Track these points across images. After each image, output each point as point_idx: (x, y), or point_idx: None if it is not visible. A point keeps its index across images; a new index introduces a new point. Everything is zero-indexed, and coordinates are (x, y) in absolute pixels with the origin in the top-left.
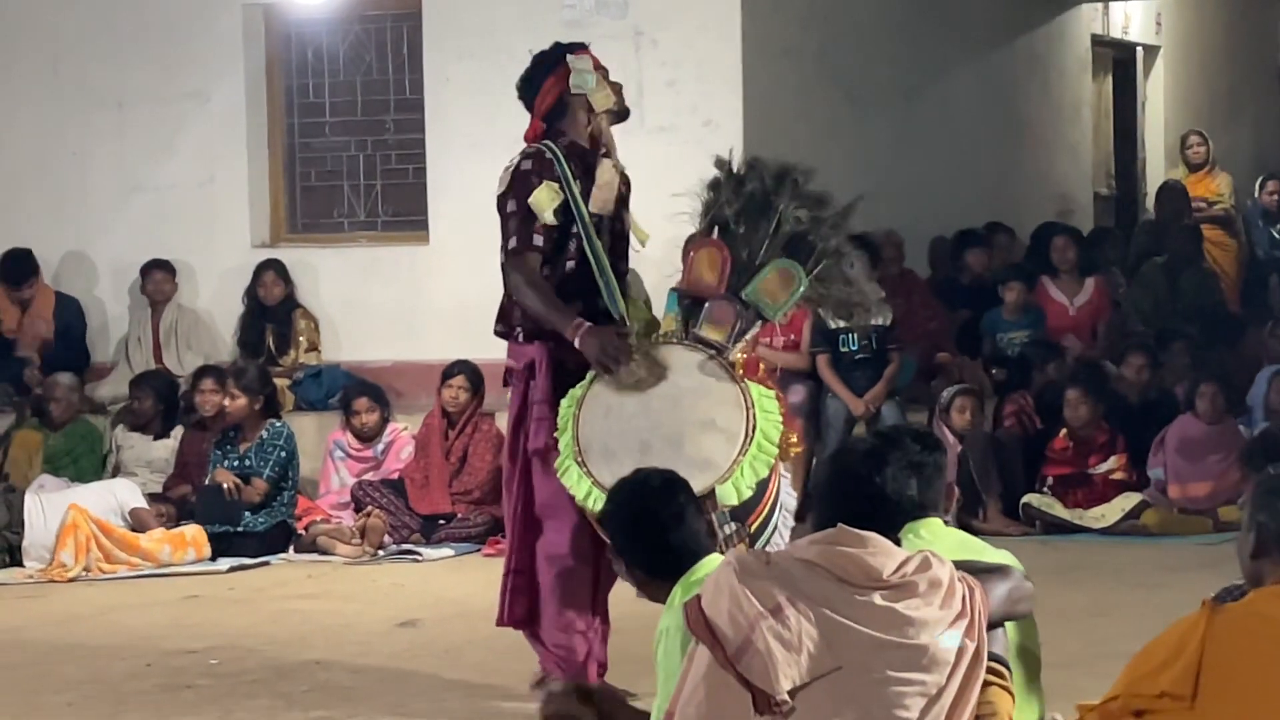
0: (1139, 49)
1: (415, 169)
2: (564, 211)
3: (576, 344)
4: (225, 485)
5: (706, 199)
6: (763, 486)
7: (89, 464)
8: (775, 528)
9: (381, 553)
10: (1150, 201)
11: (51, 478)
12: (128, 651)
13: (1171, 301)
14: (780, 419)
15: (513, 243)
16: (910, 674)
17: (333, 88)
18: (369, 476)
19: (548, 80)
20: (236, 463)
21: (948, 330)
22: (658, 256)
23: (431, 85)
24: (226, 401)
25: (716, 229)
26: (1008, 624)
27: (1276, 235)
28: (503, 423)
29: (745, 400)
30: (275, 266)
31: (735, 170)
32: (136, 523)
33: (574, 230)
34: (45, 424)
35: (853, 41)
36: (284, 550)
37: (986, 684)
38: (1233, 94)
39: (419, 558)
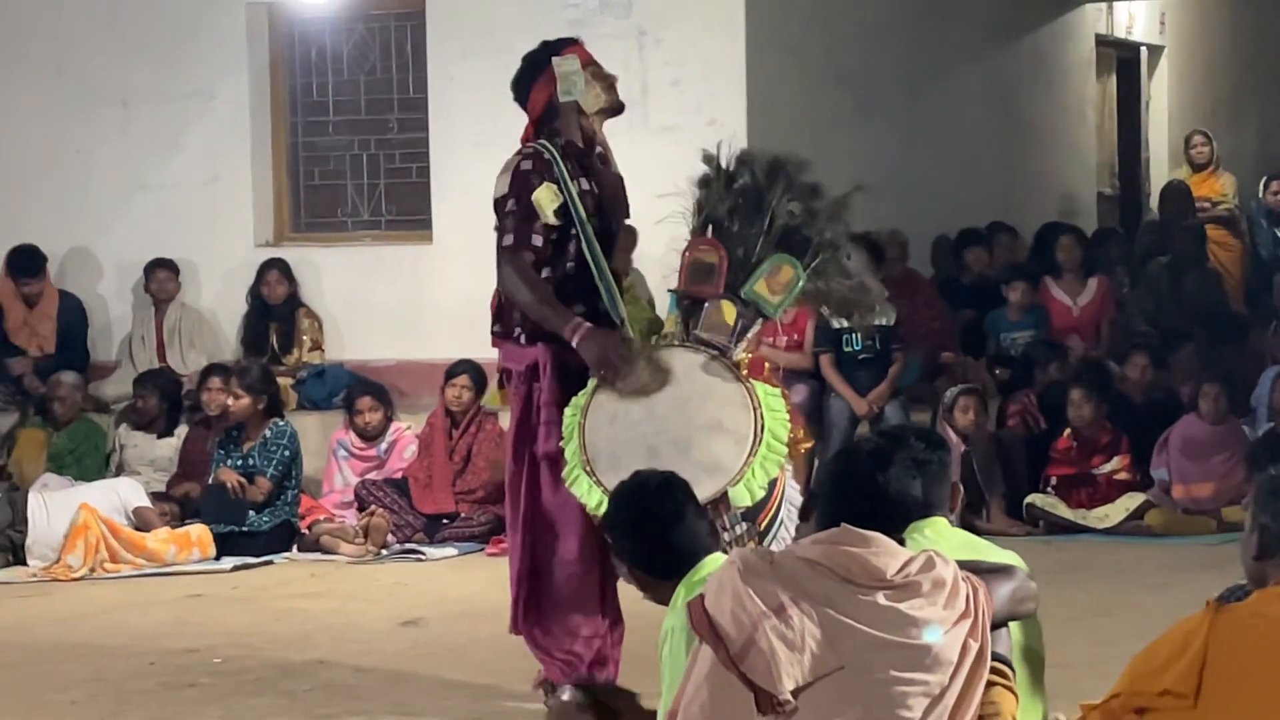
0: (1143, 49)
1: (419, 168)
2: (563, 213)
3: (575, 345)
4: (229, 484)
5: (698, 196)
6: (772, 485)
7: (92, 463)
8: (781, 522)
9: (385, 552)
10: (1154, 201)
11: (55, 476)
12: (131, 650)
13: (1175, 302)
14: (787, 417)
15: (508, 240)
16: (913, 674)
17: (336, 87)
18: (372, 476)
19: (537, 83)
20: (240, 462)
21: (951, 330)
22: (659, 255)
23: (435, 84)
24: (230, 401)
25: (710, 227)
26: (1011, 624)
27: None
28: (506, 422)
29: (751, 400)
30: (279, 265)
31: (725, 165)
32: (140, 522)
33: (573, 232)
34: (49, 423)
35: (857, 41)
36: (287, 549)
37: (990, 684)
38: (1237, 94)
39: (422, 557)
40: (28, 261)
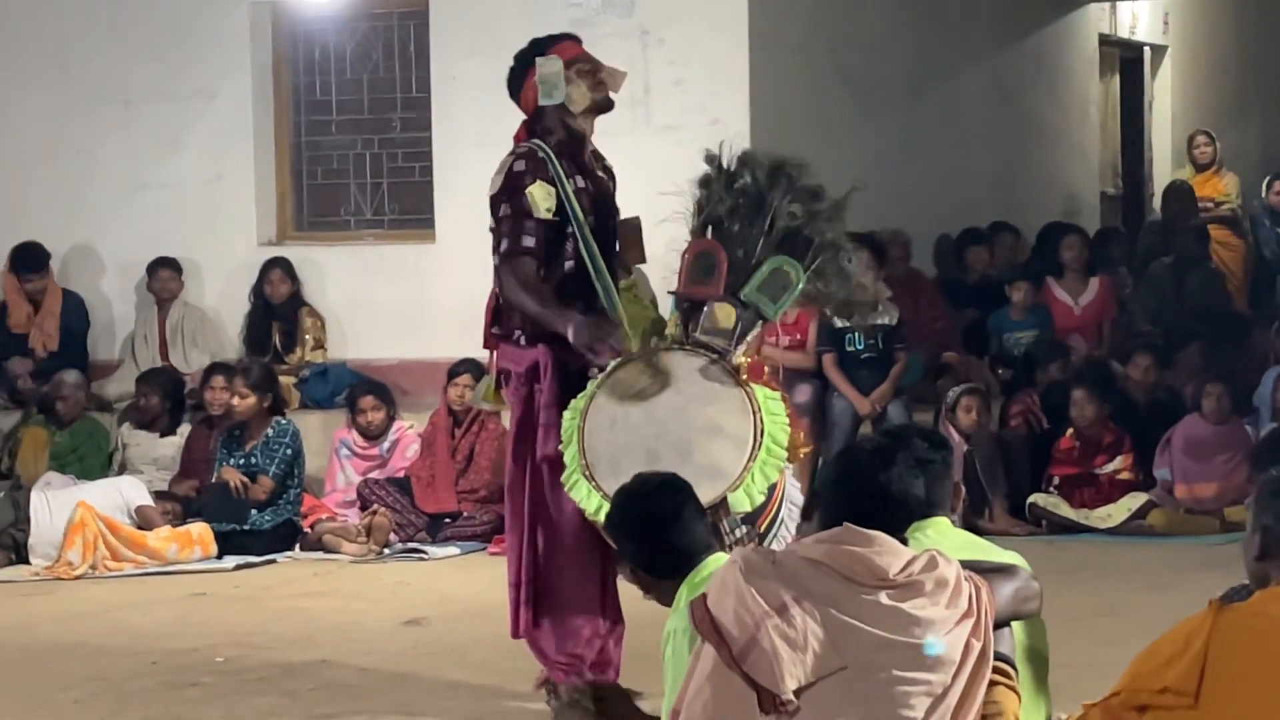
0: (1146, 49)
1: (422, 167)
2: (558, 212)
3: (570, 336)
4: (232, 483)
5: (699, 196)
6: (771, 488)
7: (95, 462)
8: (781, 521)
9: (387, 551)
10: (1157, 201)
11: (58, 475)
12: (133, 649)
13: (1178, 301)
14: (787, 421)
15: (505, 245)
16: (916, 673)
17: (339, 86)
18: (375, 475)
19: (527, 82)
20: (242, 461)
21: (954, 329)
22: (660, 254)
23: (438, 83)
24: (235, 400)
25: (710, 228)
26: (1015, 624)
27: None
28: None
29: (751, 404)
30: (282, 264)
31: (726, 165)
32: (143, 520)
33: (569, 231)
34: (52, 421)
35: (860, 41)
36: (290, 548)
37: (993, 684)
38: (1240, 94)
39: (424, 556)
40: (31, 257)
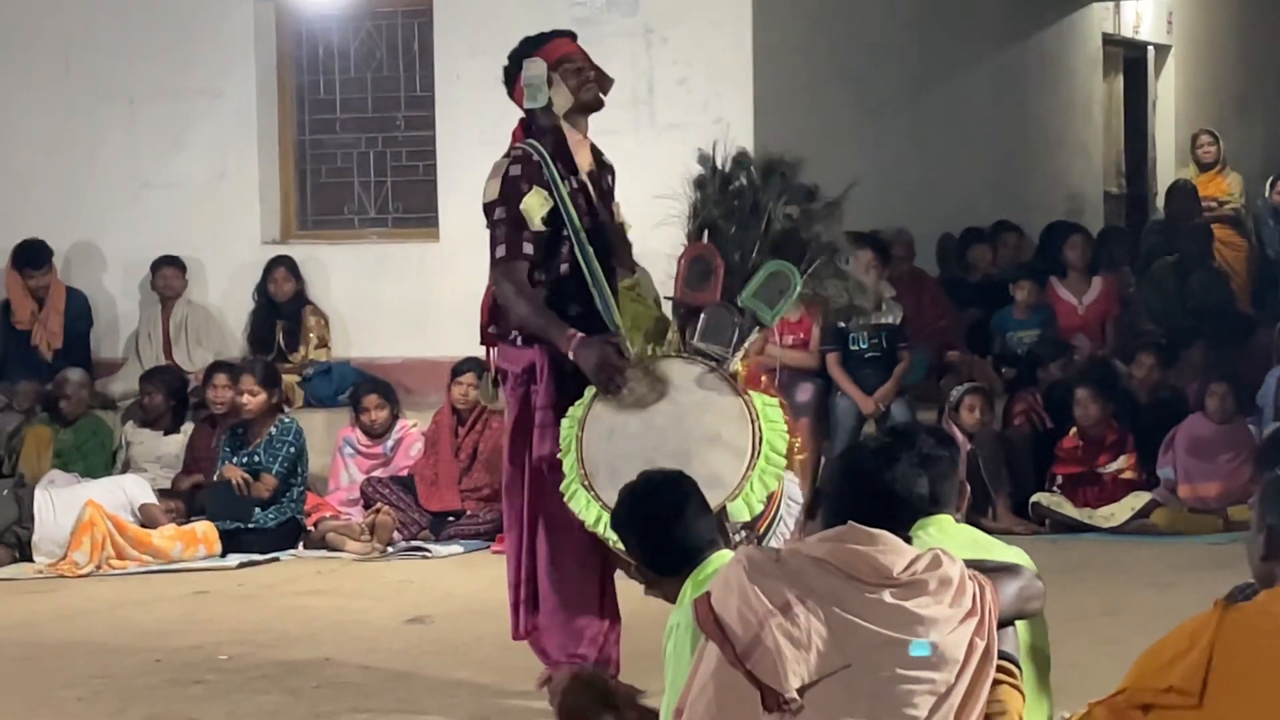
0: (1150, 48)
1: (426, 166)
2: (553, 216)
3: (571, 356)
4: (235, 481)
5: (693, 199)
6: (769, 496)
7: (99, 460)
8: (780, 519)
9: (390, 549)
10: (1160, 201)
11: (61, 473)
12: (137, 647)
13: (1181, 301)
14: (785, 427)
15: (500, 250)
16: (919, 672)
17: (344, 84)
18: (378, 473)
19: (517, 82)
20: (246, 459)
21: (957, 328)
22: (667, 252)
23: (442, 82)
24: (245, 397)
25: (706, 232)
26: (1018, 623)
27: None
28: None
29: (750, 413)
30: (286, 263)
31: (721, 167)
32: (146, 519)
33: (564, 234)
34: (56, 420)
35: (863, 40)
36: (293, 547)
37: (997, 682)
38: (1244, 93)
39: (428, 554)
40: (33, 253)
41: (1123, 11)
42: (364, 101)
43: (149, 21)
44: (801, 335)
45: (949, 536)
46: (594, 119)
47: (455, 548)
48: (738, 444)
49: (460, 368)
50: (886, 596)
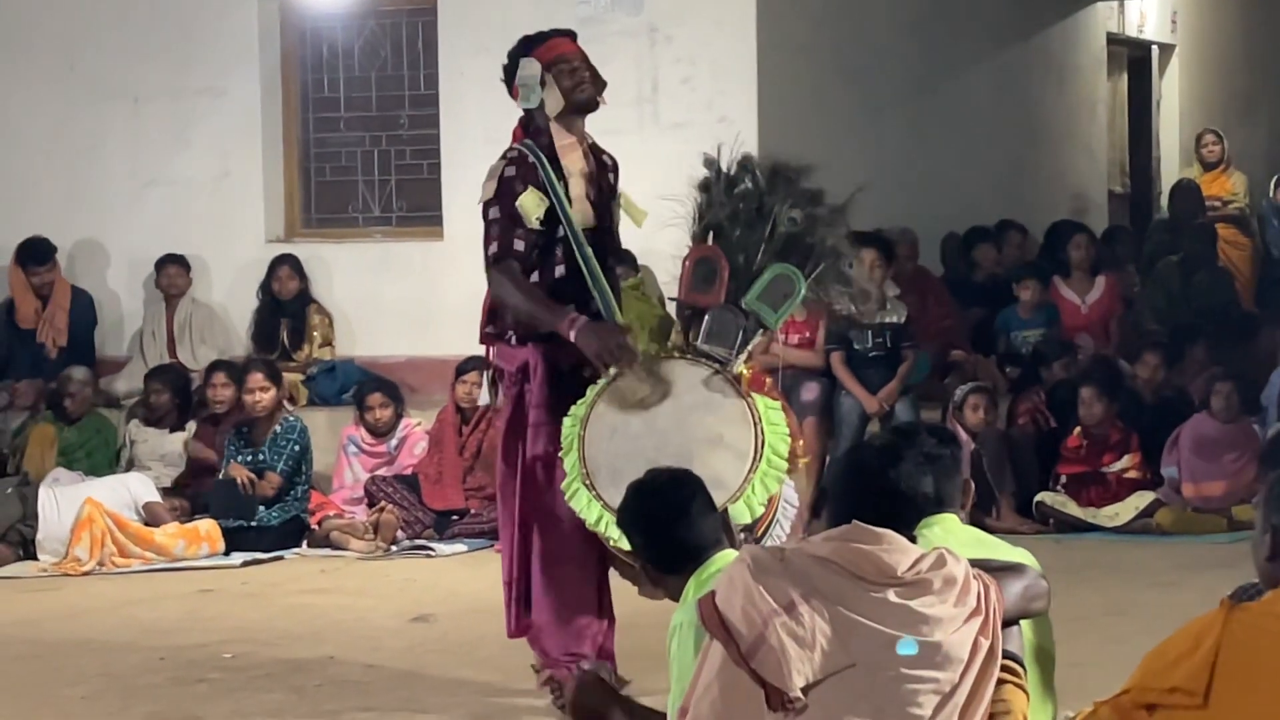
0: (1154, 47)
1: (430, 164)
2: (549, 217)
3: (573, 338)
4: (238, 480)
5: (698, 201)
6: (770, 499)
7: (103, 458)
8: (776, 521)
9: (394, 548)
10: (1165, 200)
11: (66, 471)
12: (140, 645)
13: (1185, 300)
14: (787, 431)
15: (494, 248)
16: (924, 671)
17: (348, 83)
18: (382, 472)
19: (514, 82)
20: (250, 457)
21: (961, 328)
22: (671, 251)
23: (446, 81)
24: (256, 395)
25: (711, 234)
26: (1023, 622)
27: None
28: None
29: (752, 415)
30: (290, 261)
31: (726, 169)
32: (150, 517)
33: (560, 234)
34: (60, 418)
35: (867, 39)
36: (297, 545)
37: (1001, 682)
38: (1248, 93)
39: (432, 553)
40: (36, 250)
41: (1127, 11)
42: (368, 100)
43: (153, 20)
44: (807, 334)
45: (953, 536)
46: (598, 118)
47: (459, 546)
48: (740, 446)
49: (464, 366)
50: (891, 596)
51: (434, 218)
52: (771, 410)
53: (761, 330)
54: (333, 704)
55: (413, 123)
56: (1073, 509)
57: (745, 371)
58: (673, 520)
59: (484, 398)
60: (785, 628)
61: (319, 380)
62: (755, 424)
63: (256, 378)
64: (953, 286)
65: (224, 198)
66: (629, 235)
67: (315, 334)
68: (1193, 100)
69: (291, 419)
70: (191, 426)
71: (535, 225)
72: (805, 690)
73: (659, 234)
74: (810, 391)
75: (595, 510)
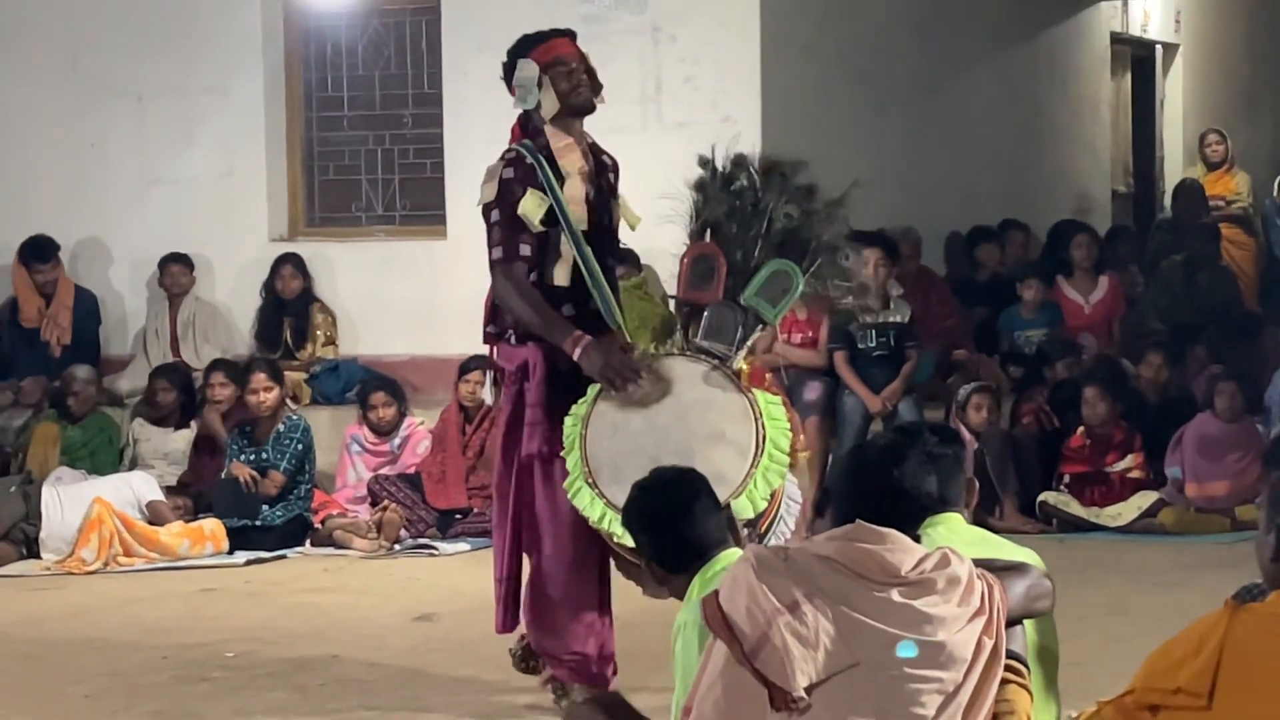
0: (1158, 47)
1: (433, 163)
2: (549, 217)
3: (577, 359)
4: (241, 478)
5: (694, 200)
6: (772, 493)
7: (106, 457)
8: (780, 518)
9: (397, 547)
10: (1168, 200)
11: (69, 470)
12: (144, 644)
13: (1189, 300)
14: (788, 425)
15: (498, 252)
16: (927, 671)
17: (351, 82)
18: (385, 471)
19: (511, 82)
20: (254, 456)
21: (965, 327)
22: (675, 250)
23: (450, 80)
24: (260, 395)
25: (709, 232)
26: (1026, 622)
27: None
28: None
29: (753, 410)
30: (293, 260)
31: (721, 168)
32: (154, 516)
33: (559, 234)
34: (63, 416)
35: (871, 39)
36: (300, 544)
37: (1005, 681)
38: (1252, 92)
39: (435, 552)
40: (40, 248)
41: (1130, 10)
42: (371, 99)
43: (156, 18)
44: (810, 334)
45: (957, 535)
46: (601, 117)
47: (462, 545)
48: (741, 442)
49: (467, 365)
50: (894, 595)
51: (437, 217)
52: (772, 405)
53: (761, 326)
54: (336, 703)
55: (416, 122)
56: (1076, 509)
57: (745, 367)
58: (677, 519)
59: (488, 397)
60: (789, 627)
61: (322, 379)
62: (756, 419)
63: (260, 378)
64: (956, 286)
65: (227, 196)
66: (632, 234)
67: (318, 333)
68: (1196, 100)
69: (295, 418)
70: (196, 424)
71: (538, 228)
72: (809, 690)
73: (661, 234)
74: (813, 391)
75: (599, 508)
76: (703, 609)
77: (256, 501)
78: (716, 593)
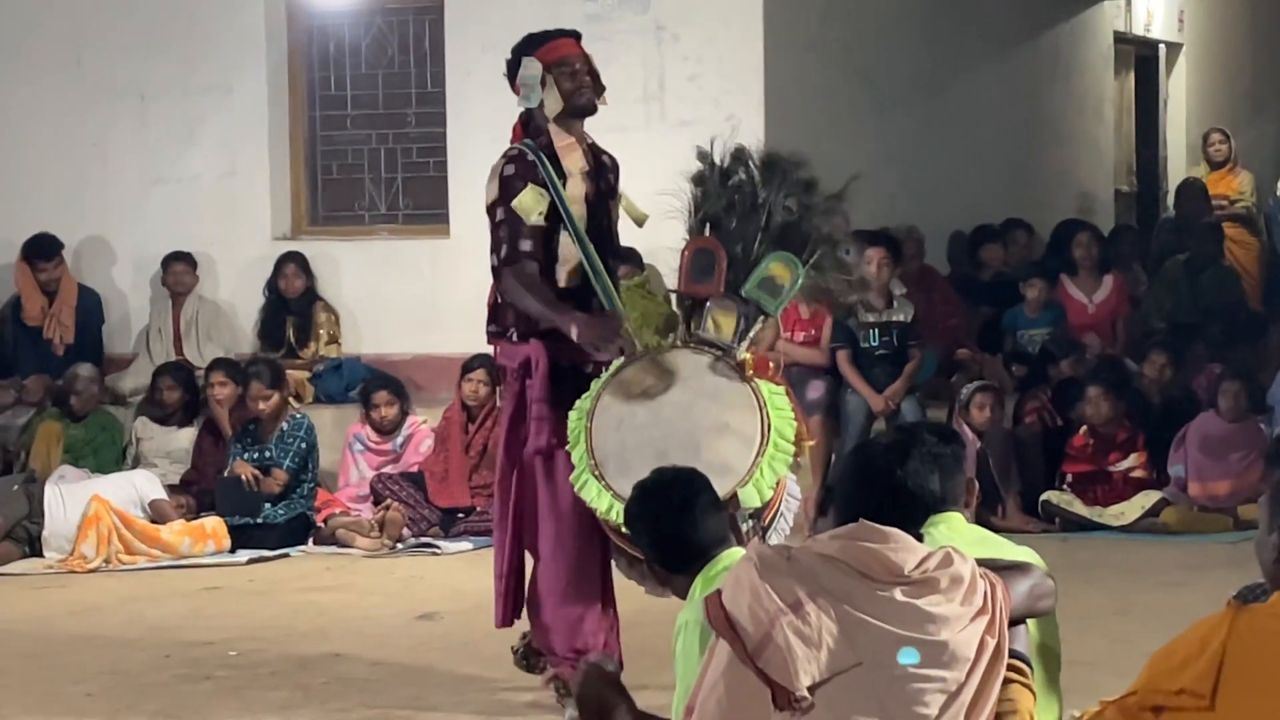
0: (1161, 46)
1: (436, 162)
2: (551, 214)
3: (573, 335)
4: (244, 477)
5: (694, 194)
6: (776, 482)
7: (109, 455)
8: (780, 515)
9: (400, 546)
10: (1171, 199)
11: (72, 468)
12: (147, 642)
13: (1192, 299)
14: (792, 415)
15: (504, 251)
16: (930, 670)
17: (354, 81)
18: (388, 469)
19: (515, 81)
20: (257, 454)
21: (968, 327)
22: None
23: (453, 79)
24: (259, 404)
25: (708, 226)
26: (1029, 621)
27: None
28: None
29: (757, 400)
30: (296, 259)
31: (720, 162)
32: (156, 514)
33: (561, 232)
34: (66, 415)
35: (874, 37)
36: (303, 543)
37: (1007, 681)
38: (1255, 92)
39: (437, 551)
40: (43, 246)
41: (1134, 9)
42: (375, 98)
43: (160, 17)
44: (813, 332)
45: (959, 534)
46: (605, 115)
47: (465, 544)
48: (746, 431)
49: (470, 364)
50: (898, 594)
51: (440, 216)
52: (775, 395)
53: (762, 318)
54: (338, 701)
55: (419, 121)
56: (1079, 508)
57: (748, 358)
58: (679, 519)
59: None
60: (792, 626)
61: (325, 378)
62: (760, 408)
63: (257, 387)
64: (959, 285)
65: (230, 195)
66: (634, 233)
67: (321, 331)
68: (1200, 99)
69: (298, 416)
70: (199, 422)
71: (536, 222)
72: (812, 689)
73: (663, 231)
74: (816, 389)
75: (606, 500)
76: (705, 608)
77: (259, 500)
78: (719, 592)
